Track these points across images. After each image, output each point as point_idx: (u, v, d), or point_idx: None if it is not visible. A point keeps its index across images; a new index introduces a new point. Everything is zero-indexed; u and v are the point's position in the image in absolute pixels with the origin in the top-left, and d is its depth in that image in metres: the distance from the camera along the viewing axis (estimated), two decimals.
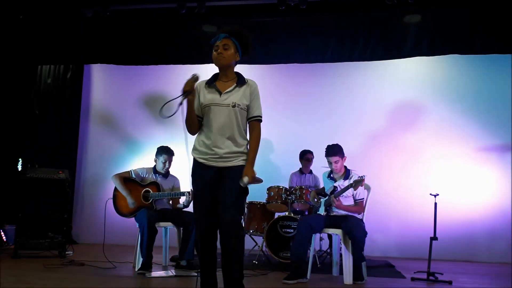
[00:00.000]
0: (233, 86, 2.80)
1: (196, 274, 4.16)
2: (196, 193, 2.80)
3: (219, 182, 2.74)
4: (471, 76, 6.48)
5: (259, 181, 2.87)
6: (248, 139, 2.83)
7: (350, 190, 4.22)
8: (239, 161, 2.76)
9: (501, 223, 6.08)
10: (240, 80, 2.83)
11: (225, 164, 2.74)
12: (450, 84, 6.52)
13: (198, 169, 2.80)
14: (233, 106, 2.75)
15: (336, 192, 4.26)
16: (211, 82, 2.83)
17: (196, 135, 2.86)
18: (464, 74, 6.50)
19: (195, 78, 2.74)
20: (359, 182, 4.11)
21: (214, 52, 2.80)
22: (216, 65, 2.83)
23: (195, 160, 2.82)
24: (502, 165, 6.22)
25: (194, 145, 2.85)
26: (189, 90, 2.70)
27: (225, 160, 2.74)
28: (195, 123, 2.79)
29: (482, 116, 6.33)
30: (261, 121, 2.85)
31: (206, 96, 2.80)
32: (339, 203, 4.23)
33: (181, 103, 2.68)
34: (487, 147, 6.29)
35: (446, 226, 5.75)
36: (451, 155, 6.34)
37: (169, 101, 2.72)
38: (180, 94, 2.68)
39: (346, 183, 4.30)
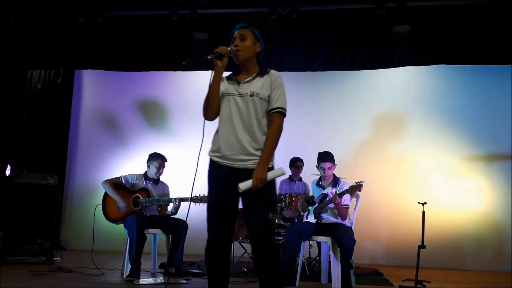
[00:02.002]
0: (253, 76, 2.50)
1: (185, 282, 4.17)
2: (209, 197, 2.50)
3: (235, 185, 2.41)
4: (459, 86, 6.57)
5: (279, 173, 2.45)
6: None
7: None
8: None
9: (487, 232, 6.16)
10: (262, 70, 2.53)
11: (243, 164, 2.41)
12: (438, 94, 6.60)
13: (212, 170, 2.50)
14: (251, 95, 2.43)
15: (340, 192, 4.22)
16: (232, 75, 2.54)
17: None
18: (452, 84, 6.59)
19: (231, 49, 2.46)
20: (357, 187, 4.12)
21: (232, 45, 2.49)
22: (234, 60, 2.51)
23: (210, 160, 2.52)
24: (488, 174, 6.30)
25: (211, 144, 2.55)
26: (220, 52, 2.40)
27: (242, 160, 2.41)
28: (215, 102, 2.45)
29: (469, 126, 6.41)
30: (284, 114, 2.50)
31: (225, 86, 2.50)
32: (341, 200, 4.17)
33: (207, 59, 2.39)
34: (473, 157, 6.37)
35: (434, 234, 5.80)
36: (439, 164, 6.41)
37: (198, 58, 2.43)
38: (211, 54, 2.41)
39: (335, 191, 4.32)
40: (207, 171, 2.54)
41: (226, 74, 2.53)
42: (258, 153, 2.43)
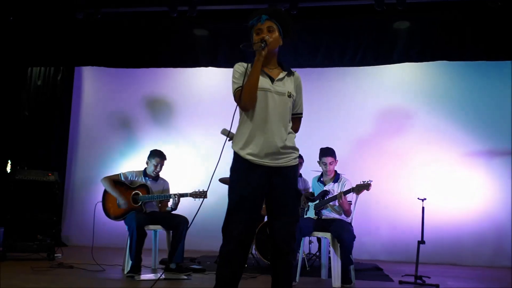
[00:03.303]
0: (284, 74, 2.52)
1: (186, 278, 4.18)
2: (239, 199, 2.39)
3: (267, 185, 2.42)
4: (459, 82, 6.57)
5: None
6: None
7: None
8: (291, 160, 2.47)
9: (486, 228, 6.18)
10: (287, 69, 2.55)
11: (278, 162, 2.42)
12: (438, 90, 6.60)
13: (244, 170, 2.42)
14: (289, 96, 2.47)
15: (344, 191, 4.25)
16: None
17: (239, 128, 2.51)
18: (452, 80, 6.59)
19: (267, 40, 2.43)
20: (365, 186, 4.12)
21: (257, 36, 2.46)
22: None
23: (239, 157, 2.44)
24: (488, 170, 6.31)
25: (237, 140, 2.48)
26: (266, 40, 2.39)
27: (278, 158, 2.42)
28: (256, 91, 2.40)
29: (469, 122, 6.42)
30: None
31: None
32: (346, 199, 4.21)
33: (256, 47, 2.40)
34: (473, 153, 6.38)
35: (434, 230, 5.81)
36: (438, 160, 6.42)
37: (246, 44, 2.44)
38: (256, 43, 2.42)
39: (336, 186, 4.35)
40: (234, 170, 2.46)
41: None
42: (288, 151, 2.47)
